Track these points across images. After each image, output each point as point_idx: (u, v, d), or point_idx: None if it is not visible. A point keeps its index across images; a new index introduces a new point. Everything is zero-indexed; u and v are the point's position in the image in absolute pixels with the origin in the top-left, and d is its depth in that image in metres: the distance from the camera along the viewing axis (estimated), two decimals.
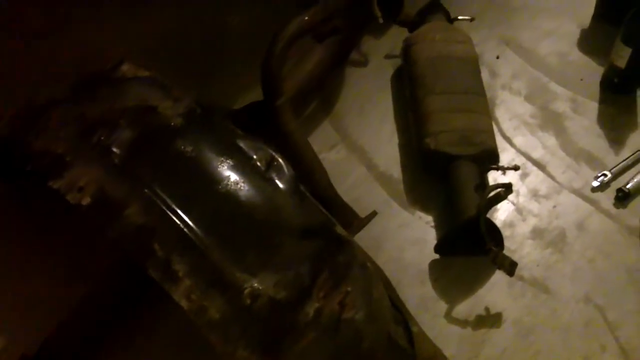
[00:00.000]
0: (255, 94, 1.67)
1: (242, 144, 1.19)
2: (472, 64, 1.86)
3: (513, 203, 1.71)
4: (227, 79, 1.93)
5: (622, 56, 1.81)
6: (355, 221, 1.54)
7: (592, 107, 1.90)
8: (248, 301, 1.04)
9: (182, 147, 1.14)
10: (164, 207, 1.07)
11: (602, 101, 1.91)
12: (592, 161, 1.79)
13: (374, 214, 1.57)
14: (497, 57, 2.01)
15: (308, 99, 1.90)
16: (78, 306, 1.37)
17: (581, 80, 1.96)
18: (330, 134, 1.87)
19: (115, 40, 2.02)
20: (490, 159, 1.68)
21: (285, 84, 1.68)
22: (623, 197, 1.71)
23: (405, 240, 1.66)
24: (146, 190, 1.08)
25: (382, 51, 2.04)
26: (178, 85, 1.33)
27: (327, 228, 1.21)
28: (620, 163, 1.77)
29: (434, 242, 1.63)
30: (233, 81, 1.91)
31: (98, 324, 1.42)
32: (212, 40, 2.04)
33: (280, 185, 1.17)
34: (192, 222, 1.06)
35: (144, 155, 1.13)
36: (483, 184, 1.62)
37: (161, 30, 2.06)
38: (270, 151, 1.20)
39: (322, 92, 1.94)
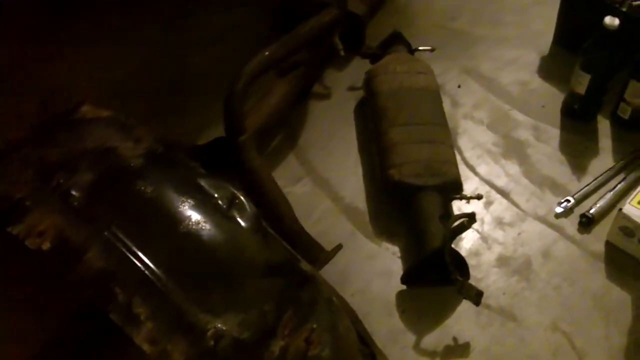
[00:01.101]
0: (219, 130, 1.67)
1: (203, 183, 1.18)
2: (434, 95, 1.88)
3: (478, 232, 1.72)
4: (191, 116, 1.93)
5: (581, 83, 1.85)
6: (321, 255, 1.54)
7: (554, 134, 1.92)
8: (212, 342, 1.03)
9: (143, 188, 1.13)
10: (124, 250, 1.06)
11: (564, 128, 1.93)
12: (556, 188, 1.81)
13: (339, 247, 1.58)
14: (459, 87, 2.03)
15: (272, 133, 1.90)
16: (39, 354, 1.35)
17: (542, 107, 1.98)
18: (295, 167, 1.87)
19: (79, 79, 2.02)
20: (454, 188, 1.69)
21: (248, 119, 1.68)
22: (587, 223, 1.72)
23: (371, 272, 1.66)
24: (106, 233, 1.07)
25: (345, 83, 2.06)
26: (140, 123, 1.33)
27: (291, 265, 1.21)
28: (582, 189, 1.79)
29: (401, 272, 1.62)
30: (197, 118, 1.91)
31: None
32: (175, 78, 2.05)
33: (243, 223, 1.16)
34: (153, 264, 1.05)
35: (103, 197, 1.12)
36: (447, 214, 1.63)
37: (126, 69, 2.07)
38: (232, 189, 1.19)
39: (286, 126, 1.94)
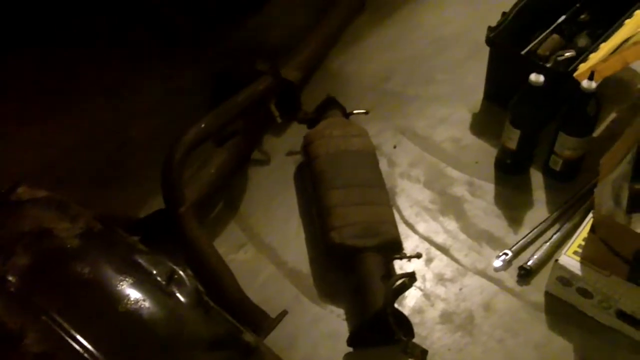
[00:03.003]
0: (160, 201, 1.67)
1: (141, 260, 1.19)
2: (371, 156, 1.92)
3: (420, 289, 1.74)
4: (130, 188, 1.94)
5: (512, 138, 1.90)
6: (265, 323, 1.54)
7: (489, 188, 1.97)
8: None
9: (80, 269, 1.13)
10: (62, 333, 1.05)
11: (498, 182, 1.98)
12: (493, 241, 1.85)
13: (284, 313, 1.58)
14: (395, 147, 2.08)
15: (212, 201, 1.91)
16: None
17: (476, 163, 2.03)
18: (237, 234, 1.87)
19: (17, 153, 2.00)
20: (394, 248, 1.72)
21: (188, 189, 1.69)
22: (525, 275, 1.76)
23: (318, 335, 1.66)
24: (44, 317, 1.07)
25: (283, 149, 2.08)
26: (77, 202, 1.33)
27: (234, 337, 1.21)
28: (519, 241, 1.83)
29: (347, 334, 1.63)
30: (136, 189, 1.91)
31: None
32: (114, 150, 2.05)
33: (182, 298, 1.16)
34: (93, 347, 1.05)
35: (40, 281, 1.12)
36: (389, 274, 1.66)
37: (65, 142, 2.06)
38: (170, 265, 1.20)
39: (227, 193, 1.95)
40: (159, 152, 1.77)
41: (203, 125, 1.68)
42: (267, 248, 1.84)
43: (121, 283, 1.12)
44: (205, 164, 1.86)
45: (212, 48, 2.27)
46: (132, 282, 1.13)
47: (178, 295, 1.16)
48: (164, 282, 1.16)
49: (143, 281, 1.14)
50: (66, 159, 2.03)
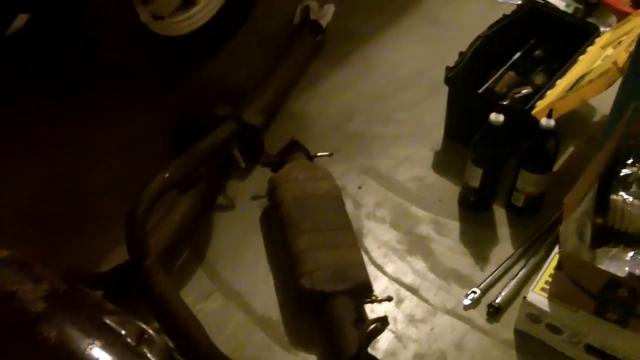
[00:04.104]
0: (123, 251, 1.65)
1: (109, 321, 1.16)
2: (336, 199, 1.92)
3: (392, 331, 1.74)
4: (93, 239, 1.90)
5: (474, 177, 1.92)
6: None
7: (454, 226, 1.98)
8: None
9: (46, 333, 1.11)
10: None
11: (462, 220, 2.00)
12: (461, 279, 1.85)
13: None
14: (360, 188, 2.08)
15: (178, 249, 1.89)
16: None
17: (440, 201, 2.05)
18: (204, 282, 1.85)
19: None
20: (365, 291, 1.72)
21: (152, 239, 1.67)
22: (494, 312, 1.77)
23: None
24: None
25: (248, 193, 2.07)
26: (40, 261, 1.30)
27: None
28: (487, 278, 1.84)
29: None
30: (99, 241, 1.88)
31: None
32: (75, 201, 2.02)
33: (153, 359, 1.14)
34: None
35: (5, 347, 1.09)
36: (361, 318, 1.65)
37: (23, 194, 2.02)
38: (139, 324, 1.18)
39: (192, 241, 1.93)
40: (121, 201, 1.75)
41: (167, 175, 1.66)
42: (236, 295, 1.82)
43: (90, 346, 1.10)
44: (169, 212, 1.84)
45: (170, 93, 2.26)
46: (101, 344, 1.10)
47: (149, 355, 1.14)
48: (133, 343, 1.14)
49: (112, 343, 1.12)
50: (24, 212, 1.99)
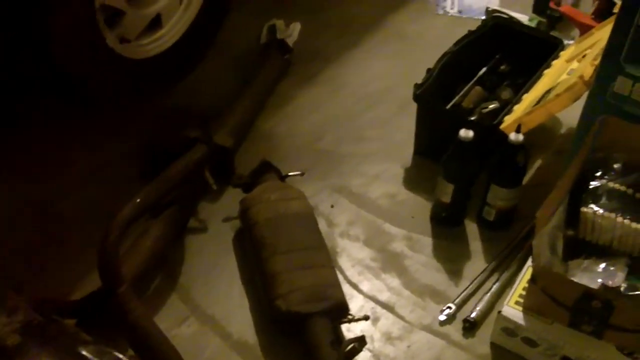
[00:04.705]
0: (96, 278, 1.62)
1: (85, 352, 1.15)
2: (309, 218, 1.92)
3: (369, 350, 1.73)
4: (64, 267, 1.87)
5: (446, 192, 1.94)
6: None
7: (427, 242, 1.99)
8: None
9: None
10: None
11: (435, 235, 2.01)
12: (436, 295, 1.86)
13: None
14: (332, 207, 2.08)
15: (151, 274, 1.86)
16: None
17: (412, 217, 2.06)
18: (178, 307, 1.83)
19: None
20: (341, 311, 1.72)
21: (125, 266, 1.65)
22: (470, 327, 1.78)
23: None
24: None
25: (220, 215, 2.06)
26: (13, 292, 1.28)
27: None
28: (461, 294, 1.85)
29: None
30: (70, 268, 1.85)
31: None
32: (44, 228, 1.99)
33: None
34: None
35: None
36: (338, 339, 1.65)
37: None
38: (116, 354, 1.16)
39: (165, 266, 1.91)
40: (92, 227, 1.73)
41: (138, 201, 1.65)
42: (211, 319, 1.80)
43: None
44: (140, 237, 1.82)
45: (140, 116, 2.25)
46: None
47: None
48: None
49: None
50: None
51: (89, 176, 2.12)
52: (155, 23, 2.15)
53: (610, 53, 1.72)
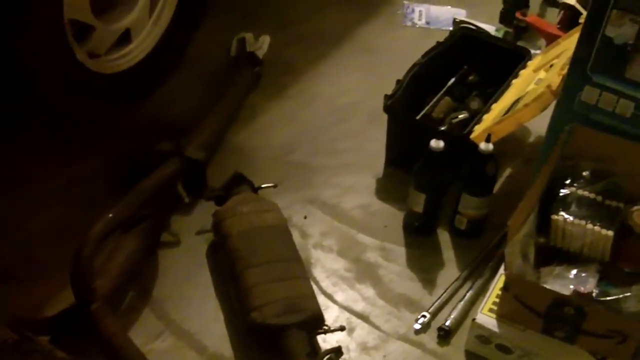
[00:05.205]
0: (69, 295, 1.61)
1: None
2: (283, 230, 1.92)
3: None
4: (37, 284, 1.84)
5: (418, 202, 1.96)
6: None
7: (401, 252, 2.01)
8: None
9: None
10: None
11: (408, 245, 2.02)
12: (411, 304, 1.87)
13: None
14: (305, 218, 2.09)
15: (124, 289, 1.85)
16: None
17: (385, 227, 2.07)
18: (153, 322, 1.82)
19: None
20: (317, 322, 1.72)
21: (98, 280, 1.64)
22: (445, 335, 1.79)
23: None
24: None
25: (193, 228, 2.05)
26: None
27: None
28: (435, 302, 1.86)
29: None
30: (43, 285, 1.83)
31: None
32: (15, 245, 1.96)
33: None
34: None
35: None
36: (314, 350, 1.65)
37: None
38: None
39: (138, 280, 1.89)
40: (64, 244, 1.71)
41: (111, 216, 1.64)
42: (186, 334, 1.79)
43: None
44: (113, 252, 1.81)
45: (111, 131, 2.23)
46: None
47: None
48: None
49: None
50: None
51: (59, 193, 2.10)
52: (125, 38, 2.15)
53: (577, 63, 1.75)
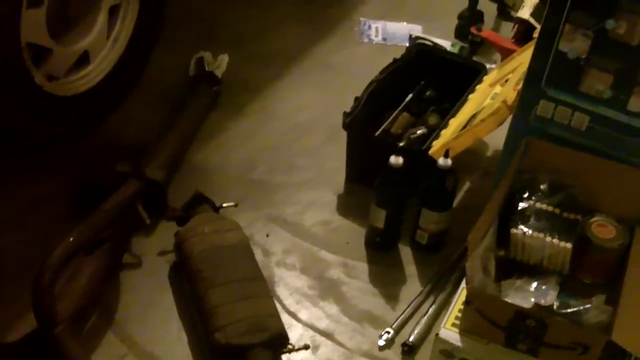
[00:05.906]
0: (30, 320, 1.58)
1: None
2: (245, 249, 1.92)
3: None
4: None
5: (379, 218, 1.97)
6: None
7: (363, 268, 2.02)
8: None
9: None
10: None
11: (370, 261, 2.04)
12: (374, 320, 1.88)
13: None
14: (267, 236, 2.09)
15: (86, 314, 1.83)
16: None
17: (347, 244, 2.08)
18: (115, 345, 1.80)
19: None
20: (281, 341, 1.72)
21: (60, 304, 1.62)
22: (409, 351, 1.80)
23: None
24: None
25: (154, 249, 2.03)
26: None
27: None
28: (399, 317, 1.88)
29: None
30: (5, 310, 1.79)
31: None
32: None
33: None
34: None
35: None
36: None
37: None
38: None
39: (100, 303, 1.87)
40: (24, 268, 1.68)
41: (72, 239, 1.63)
42: (150, 356, 1.78)
43: None
44: (74, 275, 1.79)
45: (70, 153, 2.21)
46: None
47: None
48: None
49: None
50: None
51: (18, 216, 2.07)
52: (84, 59, 2.13)
53: (532, 78, 1.78)
